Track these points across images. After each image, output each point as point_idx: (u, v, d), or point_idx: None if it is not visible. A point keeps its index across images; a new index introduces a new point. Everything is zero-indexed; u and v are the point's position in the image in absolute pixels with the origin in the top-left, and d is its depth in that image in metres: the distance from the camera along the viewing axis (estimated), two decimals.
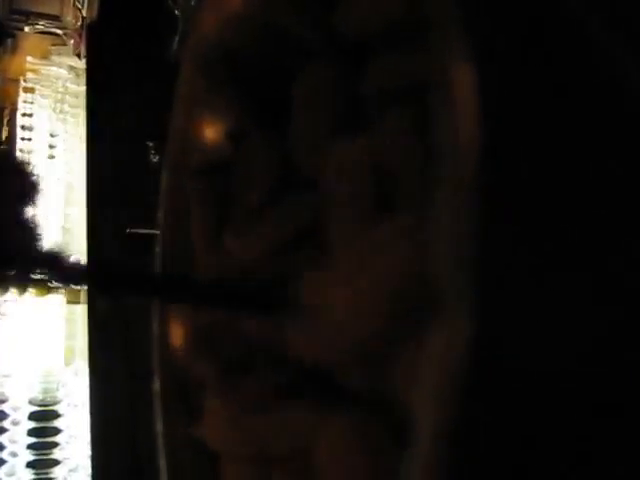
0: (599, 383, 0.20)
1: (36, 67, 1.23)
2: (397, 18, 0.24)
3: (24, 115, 1.18)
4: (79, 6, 1.25)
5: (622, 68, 0.22)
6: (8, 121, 1.15)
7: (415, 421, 0.19)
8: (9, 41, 1.21)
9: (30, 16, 1.25)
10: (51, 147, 1.17)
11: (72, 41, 1.27)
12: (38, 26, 1.26)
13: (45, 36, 1.27)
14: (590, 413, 0.20)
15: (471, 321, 0.18)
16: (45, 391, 1.12)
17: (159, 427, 0.33)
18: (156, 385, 0.33)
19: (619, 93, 0.22)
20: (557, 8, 0.22)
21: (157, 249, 0.35)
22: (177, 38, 1.20)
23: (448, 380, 0.18)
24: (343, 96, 0.29)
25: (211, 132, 0.35)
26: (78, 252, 1.04)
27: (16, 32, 1.24)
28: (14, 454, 1.07)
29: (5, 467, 1.05)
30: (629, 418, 0.21)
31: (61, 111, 1.21)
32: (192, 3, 1.19)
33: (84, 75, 1.23)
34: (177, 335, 0.33)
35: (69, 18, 1.27)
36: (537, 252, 0.20)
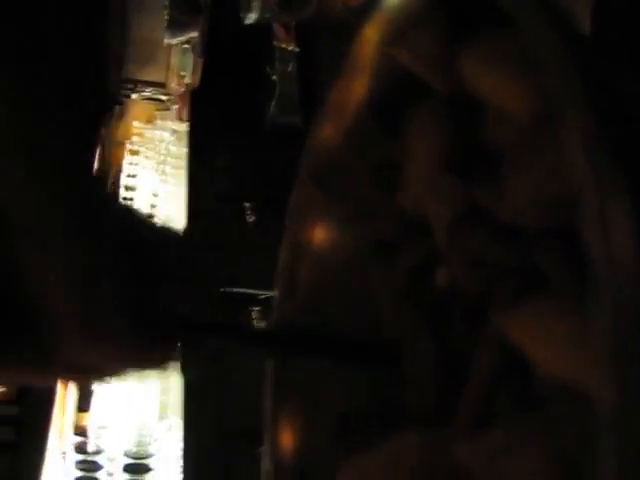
0: None
1: (141, 131, 1.29)
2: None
3: (128, 176, 1.24)
4: (183, 74, 1.32)
5: None
6: (113, 182, 1.20)
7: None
8: (117, 107, 1.28)
9: (138, 84, 1.32)
10: (152, 207, 1.22)
11: (175, 106, 1.33)
12: (145, 93, 1.33)
13: (150, 102, 1.34)
14: None
15: None
16: (139, 444, 1.14)
17: None
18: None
19: None
20: None
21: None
22: (274, 102, 1.24)
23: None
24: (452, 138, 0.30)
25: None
26: None
27: (124, 99, 1.31)
28: None
29: None
30: None
31: (163, 172, 1.26)
32: (289, 69, 1.23)
33: (186, 138, 1.28)
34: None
35: (173, 85, 1.33)
36: None
